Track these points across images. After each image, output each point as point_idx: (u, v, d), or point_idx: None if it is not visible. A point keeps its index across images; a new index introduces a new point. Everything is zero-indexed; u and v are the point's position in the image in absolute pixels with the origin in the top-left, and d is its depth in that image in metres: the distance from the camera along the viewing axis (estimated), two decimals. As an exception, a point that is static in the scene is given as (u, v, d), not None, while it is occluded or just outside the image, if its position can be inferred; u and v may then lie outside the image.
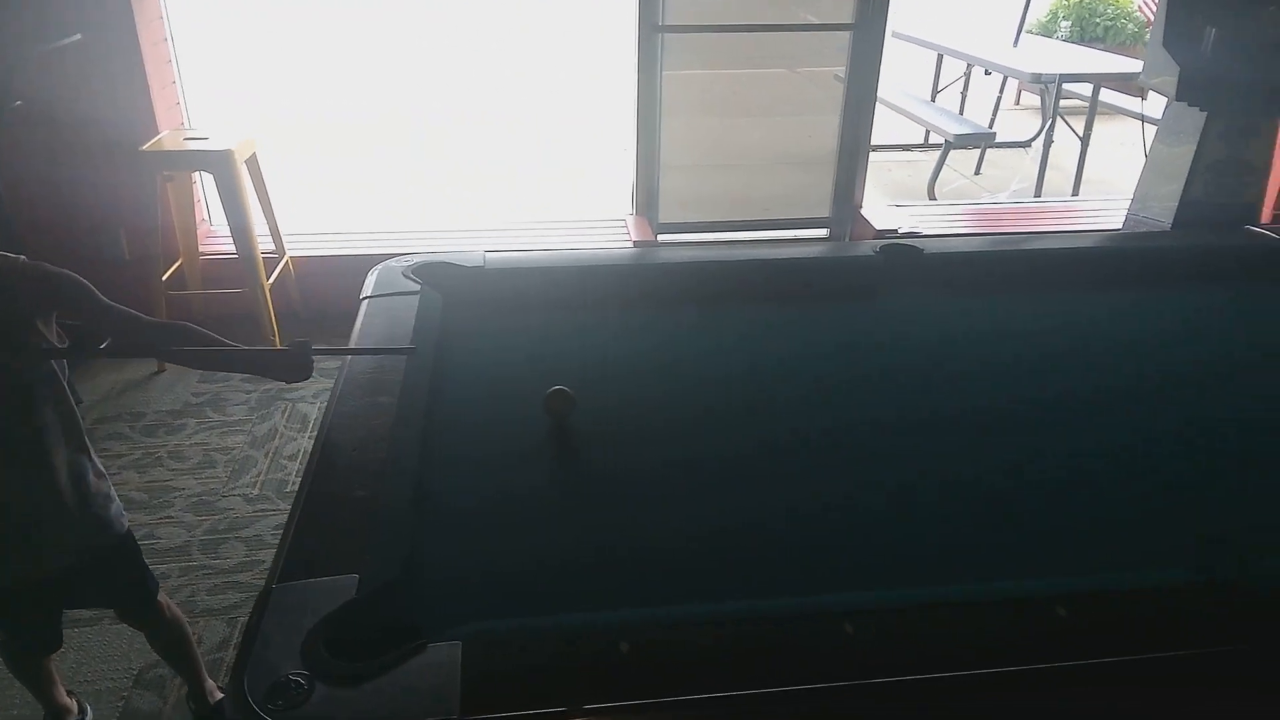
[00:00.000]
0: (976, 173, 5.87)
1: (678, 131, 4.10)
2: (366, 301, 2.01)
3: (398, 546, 1.30)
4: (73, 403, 1.61)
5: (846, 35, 4.01)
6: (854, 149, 4.13)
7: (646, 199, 4.11)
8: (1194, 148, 3.58)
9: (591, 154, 6.43)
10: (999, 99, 6.18)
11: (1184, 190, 3.61)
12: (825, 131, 4.19)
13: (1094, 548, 1.37)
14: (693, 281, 2.29)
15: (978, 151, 5.91)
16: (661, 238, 4.07)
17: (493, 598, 1.26)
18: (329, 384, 1.85)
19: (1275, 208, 4.32)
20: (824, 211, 4.28)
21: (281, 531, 1.39)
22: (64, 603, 1.79)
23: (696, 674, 1.11)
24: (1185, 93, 3.52)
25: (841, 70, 4.07)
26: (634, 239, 3.92)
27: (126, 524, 1.75)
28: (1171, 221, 3.60)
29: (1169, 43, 3.56)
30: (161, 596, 1.91)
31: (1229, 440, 1.68)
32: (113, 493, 1.73)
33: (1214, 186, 3.60)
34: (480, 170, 6.34)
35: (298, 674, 1.09)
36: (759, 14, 4.01)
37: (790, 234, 4.26)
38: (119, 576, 1.79)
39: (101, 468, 1.70)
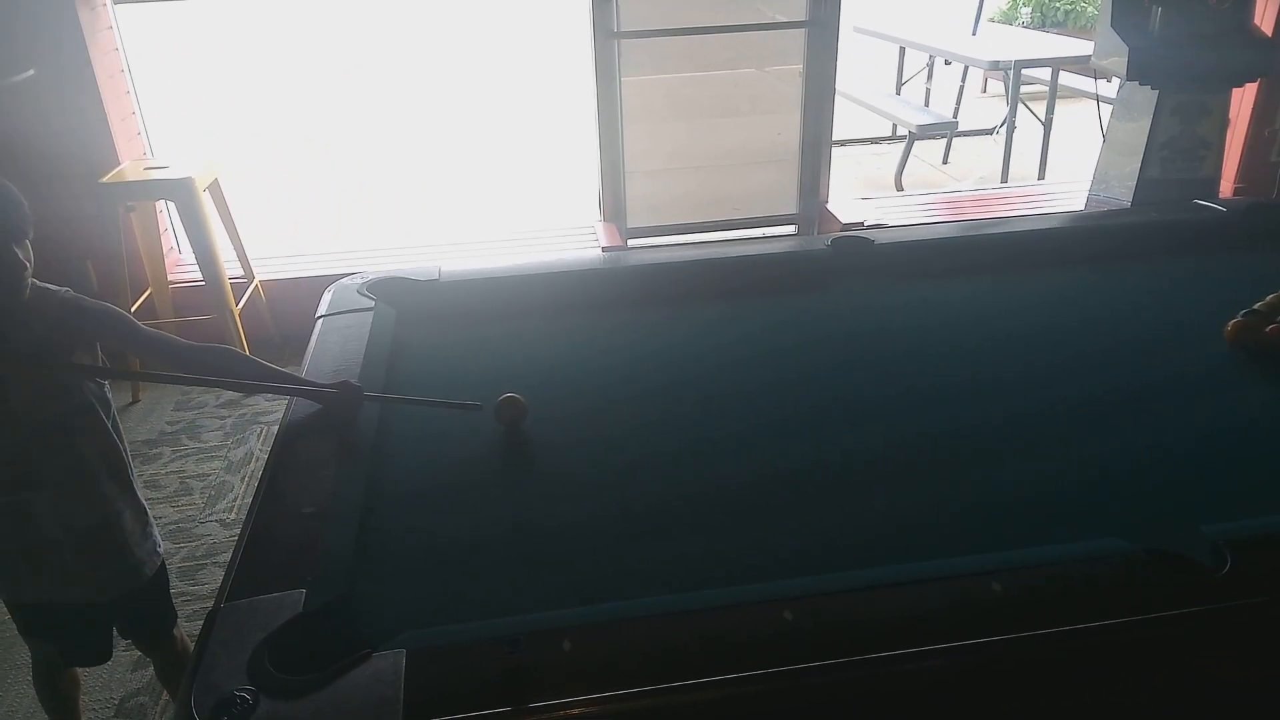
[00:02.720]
0: (944, 162, 5.92)
1: (641, 136, 4.12)
2: (321, 320, 2.02)
3: (344, 560, 1.31)
4: (115, 440, 1.66)
5: (802, 33, 4.05)
6: (816, 144, 4.16)
7: (613, 205, 4.14)
8: (1148, 126, 3.63)
9: (559, 163, 6.45)
10: (962, 88, 6.24)
11: (1141, 168, 3.66)
12: (789, 129, 4.23)
13: (1029, 521, 1.39)
14: (650, 284, 2.31)
15: (945, 141, 5.96)
16: (631, 243, 4.10)
17: (437, 605, 1.28)
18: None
19: (1237, 181, 4.37)
20: (791, 208, 4.32)
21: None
22: (104, 622, 1.81)
23: (640, 668, 1.13)
24: (1136, 72, 3.57)
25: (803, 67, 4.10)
26: (603, 246, 3.94)
27: (160, 560, 1.78)
28: (1131, 199, 3.64)
29: (1117, 23, 3.61)
30: (177, 627, 1.93)
31: (1170, 410, 1.70)
32: (152, 531, 1.77)
33: (1170, 163, 3.65)
34: (449, 186, 6.37)
35: (243, 690, 1.10)
36: (714, 15, 4.04)
37: (758, 232, 4.29)
38: (144, 609, 1.83)
39: (143, 504, 1.75)
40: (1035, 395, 1.77)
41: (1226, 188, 4.25)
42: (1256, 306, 1.87)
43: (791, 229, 4.36)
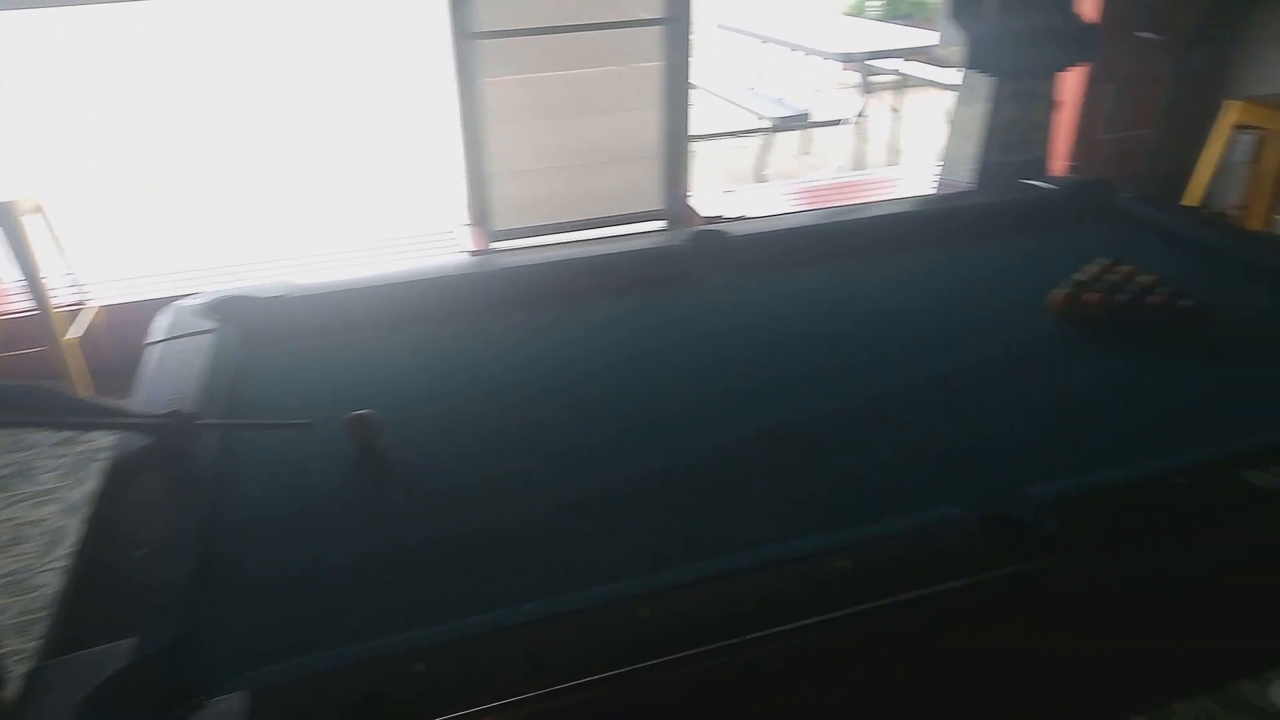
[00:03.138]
0: (804, 152, 6.09)
1: (505, 137, 4.07)
2: (154, 346, 1.90)
3: (181, 600, 1.24)
4: None
5: (659, 30, 4.08)
6: (676, 140, 4.20)
7: (479, 209, 4.07)
8: (987, 111, 3.82)
9: (426, 168, 6.32)
10: (816, 81, 6.42)
11: (982, 152, 3.85)
12: (652, 125, 4.26)
13: (876, 499, 1.43)
14: (512, 288, 2.28)
15: (805, 132, 6.13)
16: (499, 245, 4.04)
17: (287, 639, 1.21)
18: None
19: (1071, 159, 4.66)
20: (657, 204, 4.34)
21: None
22: None
23: (495, 682, 1.10)
24: (974, 60, 3.76)
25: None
26: (469, 250, 3.88)
27: None
28: (975, 181, 3.83)
29: (956, 14, 3.79)
30: (9, 691, 1.76)
31: (1003, 382, 1.79)
32: None
33: (1009, 146, 3.85)
34: (308, 196, 6.14)
35: (64, 754, 1.02)
36: (574, 14, 4.02)
37: (627, 229, 4.30)
38: None
39: None
40: (882, 378, 1.83)
41: (1064, 166, 4.53)
42: (1078, 277, 1.98)
43: (661, 225, 4.39)
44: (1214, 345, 1.89)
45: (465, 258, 3.59)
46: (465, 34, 3.85)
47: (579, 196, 4.32)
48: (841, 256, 2.40)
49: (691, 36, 4.09)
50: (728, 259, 2.36)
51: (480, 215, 4.06)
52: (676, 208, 4.30)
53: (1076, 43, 3.89)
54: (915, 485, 1.48)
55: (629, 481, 1.53)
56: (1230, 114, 3.82)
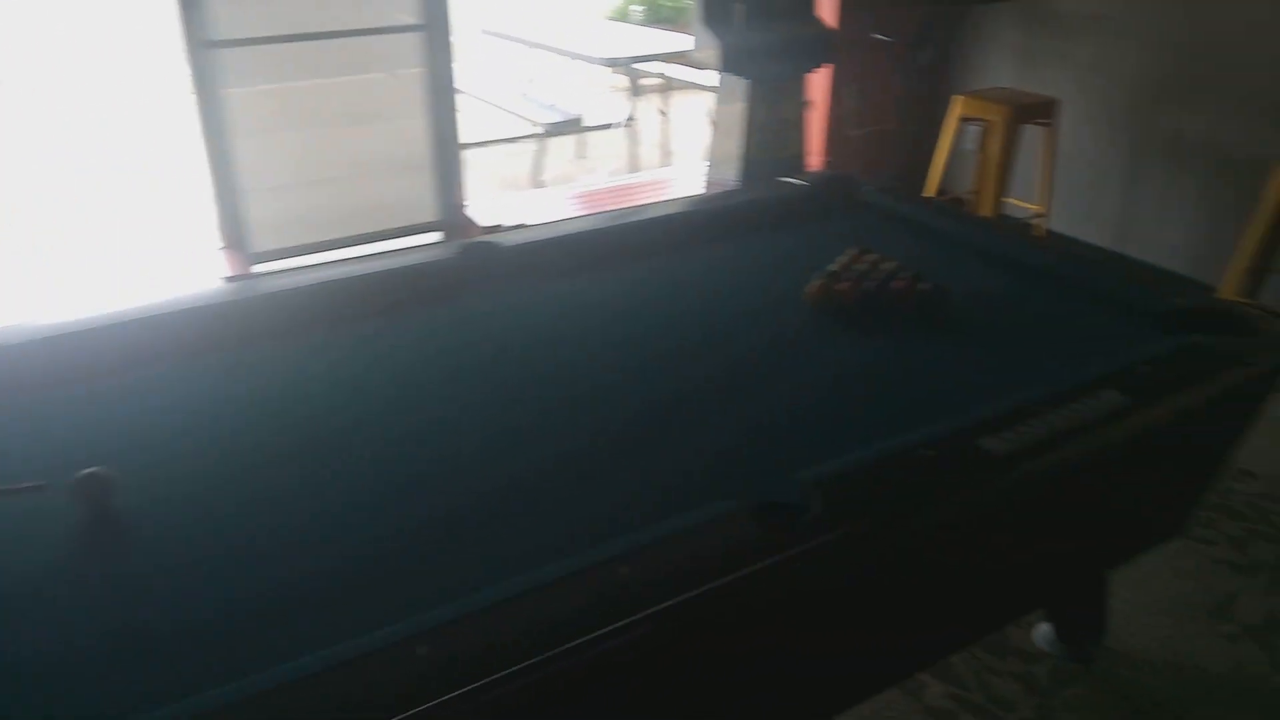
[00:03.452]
0: (581, 157, 6.15)
1: (258, 151, 3.81)
2: None
3: None
4: None
5: (418, 36, 3.96)
6: (445, 148, 4.11)
7: (234, 230, 3.79)
8: (744, 112, 4.01)
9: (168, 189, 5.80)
10: (587, 85, 6.52)
11: (744, 151, 4.04)
12: (420, 133, 4.13)
13: (654, 504, 1.43)
14: (270, 314, 2.11)
15: (581, 137, 6.19)
16: (259, 268, 3.77)
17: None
18: None
19: (826, 155, 4.99)
20: (432, 215, 4.23)
21: None
22: None
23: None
24: (727, 64, 3.93)
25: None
26: (226, 276, 3.59)
27: None
28: (738, 179, 4.01)
29: (708, 20, 3.95)
30: None
31: (768, 374, 1.86)
32: None
33: (766, 145, 4.07)
34: (36, 234, 5.47)
35: None
36: (327, 19, 3.82)
37: (402, 243, 4.15)
38: None
39: None
40: (662, 381, 1.84)
41: (820, 162, 4.84)
42: (830, 268, 2.10)
43: (438, 236, 4.27)
44: (952, 324, 2.06)
45: (219, 285, 3.31)
46: (201, 43, 3.58)
47: (348, 211, 4.12)
48: (618, 260, 2.41)
49: (453, 42, 4.01)
50: (504, 269, 2.31)
51: (235, 237, 3.78)
52: (453, 218, 4.20)
53: (819, 46, 4.16)
54: (696, 483, 1.50)
55: (410, 520, 1.45)
56: (957, 107, 4.22)
